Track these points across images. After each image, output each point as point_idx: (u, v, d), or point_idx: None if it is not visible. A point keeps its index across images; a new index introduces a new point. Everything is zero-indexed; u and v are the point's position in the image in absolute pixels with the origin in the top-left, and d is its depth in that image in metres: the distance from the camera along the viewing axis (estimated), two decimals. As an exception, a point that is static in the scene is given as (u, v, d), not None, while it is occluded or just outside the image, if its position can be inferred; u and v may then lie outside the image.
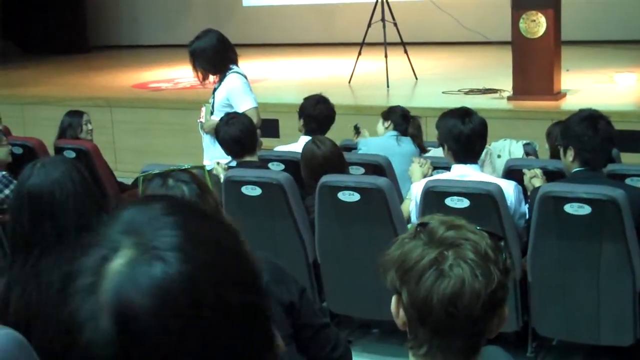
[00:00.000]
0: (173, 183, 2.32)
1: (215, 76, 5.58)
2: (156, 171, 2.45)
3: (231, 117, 5.09)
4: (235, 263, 0.97)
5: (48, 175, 2.59)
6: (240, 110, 5.38)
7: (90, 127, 6.38)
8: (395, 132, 5.59)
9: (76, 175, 2.63)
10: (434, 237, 1.69)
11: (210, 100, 5.64)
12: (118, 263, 0.93)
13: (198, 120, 5.70)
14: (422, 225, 1.75)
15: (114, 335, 0.90)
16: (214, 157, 5.34)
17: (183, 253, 0.93)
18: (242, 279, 0.96)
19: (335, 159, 4.61)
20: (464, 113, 4.33)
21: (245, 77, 5.60)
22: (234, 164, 5.01)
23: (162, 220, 0.96)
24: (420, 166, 4.74)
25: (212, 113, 5.59)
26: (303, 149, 4.76)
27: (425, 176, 4.60)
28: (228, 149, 5.06)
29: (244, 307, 0.95)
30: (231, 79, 5.54)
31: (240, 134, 4.91)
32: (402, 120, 5.68)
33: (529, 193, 4.34)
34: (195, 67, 5.50)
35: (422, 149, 5.57)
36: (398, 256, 1.71)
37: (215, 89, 5.63)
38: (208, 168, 5.39)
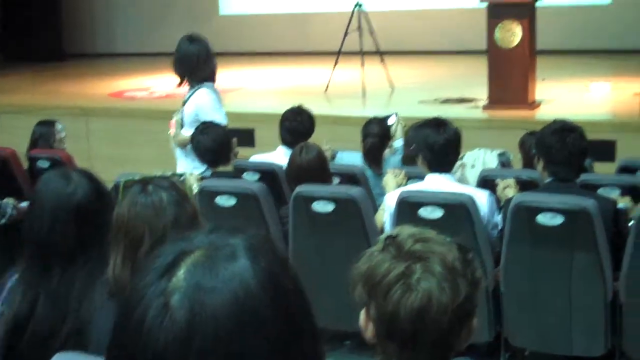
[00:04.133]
0: (152, 189, 2.34)
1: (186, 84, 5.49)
2: (136, 178, 2.46)
3: (206, 127, 5.08)
4: (293, 275, 1.09)
5: (92, 187, 2.50)
6: None
7: (63, 135, 6.33)
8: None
9: (103, 187, 2.56)
10: (401, 251, 1.69)
11: (179, 115, 5.53)
12: (196, 255, 1.03)
13: (169, 133, 5.62)
14: (390, 237, 1.75)
15: (183, 316, 0.98)
16: (187, 169, 5.31)
17: (256, 253, 1.04)
18: (299, 288, 1.08)
19: (315, 168, 4.59)
20: (438, 123, 4.35)
21: (216, 92, 5.51)
22: (208, 173, 4.99)
23: (231, 235, 1.07)
24: (395, 176, 4.74)
25: (182, 127, 5.50)
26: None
27: (399, 186, 4.61)
28: (202, 158, 5.06)
29: (302, 313, 1.07)
30: (201, 93, 5.42)
31: (213, 144, 4.89)
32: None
33: (502, 203, 4.35)
34: (174, 64, 5.43)
35: None
36: (366, 270, 1.71)
37: (184, 102, 5.54)
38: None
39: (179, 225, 2.27)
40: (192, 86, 5.47)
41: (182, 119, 5.49)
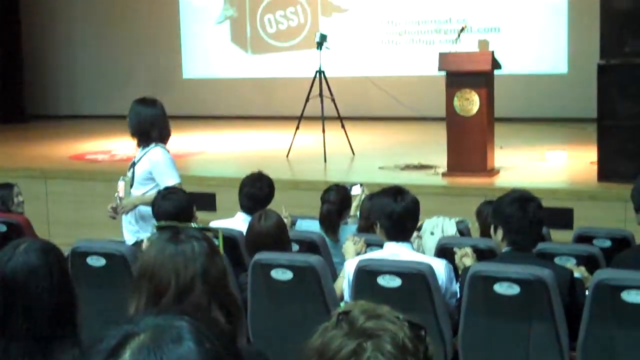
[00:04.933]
0: (184, 238, 2.27)
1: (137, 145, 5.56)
2: (170, 224, 2.42)
3: (169, 192, 5.07)
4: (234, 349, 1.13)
5: (27, 262, 2.47)
6: (163, 185, 5.34)
7: (20, 199, 6.29)
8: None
9: (57, 267, 2.53)
10: (353, 327, 1.69)
11: (129, 174, 5.57)
12: (142, 338, 1.03)
13: (116, 195, 5.61)
14: (343, 313, 1.75)
15: None
16: (137, 233, 5.35)
17: (201, 335, 1.05)
18: None
19: (274, 236, 4.59)
20: (396, 191, 4.39)
21: (169, 153, 5.58)
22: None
23: (176, 318, 1.08)
24: (354, 244, 4.75)
25: (131, 186, 5.52)
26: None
27: (358, 254, 4.62)
28: (162, 223, 5.06)
29: None
30: (155, 152, 5.47)
31: (174, 210, 4.86)
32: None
33: (460, 272, 4.38)
34: (130, 127, 5.50)
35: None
36: (318, 346, 1.71)
37: (134, 162, 5.57)
38: (127, 240, 5.40)
39: (208, 278, 2.21)
40: (144, 147, 5.52)
41: (132, 179, 5.52)
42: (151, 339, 1.02)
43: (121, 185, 5.53)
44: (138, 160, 5.54)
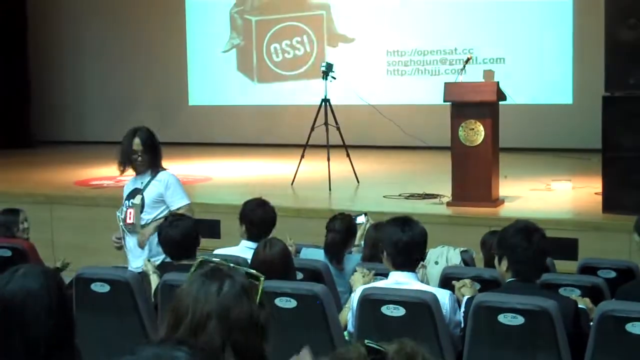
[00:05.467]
0: (219, 274, 2.20)
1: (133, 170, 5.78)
2: (212, 260, 2.33)
3: (176, 219, 5.12)
4: None
5: (25, 285, 2.51)
6: (174, 206, 5.61)
7: (26, 225, 6.30)
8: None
9: (55, 291, 2.56)
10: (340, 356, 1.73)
11: (135, 200, 5.69)
12: None
13: (121, 225, 5.71)
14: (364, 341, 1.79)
15: None
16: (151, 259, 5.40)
17: None
18: None
19: (278, 264, 4.59)
20: (404, 221, 4.40)
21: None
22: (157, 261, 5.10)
23: (175, 348, 1.13)
24: (363, 276, 4.74)
25: (141, 211, 5.66)
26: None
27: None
28: (167, 250, 5.09)
29: None
30: (166, 175, 5.76)
31: (181, 238, 4.94)
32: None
33: (461, 302, 4.37)
34: (145, 154, 5.66)
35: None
36: None
37: (140, 189, 5.71)
38: (136, 268, 5.41)
39: (227, 318, 2.13)
40: (153, 172, 5.73)
41: (142, 203, 5.60)
42: None
43: (131, 211, 5.65)
44: (145, 186, 5.68)
